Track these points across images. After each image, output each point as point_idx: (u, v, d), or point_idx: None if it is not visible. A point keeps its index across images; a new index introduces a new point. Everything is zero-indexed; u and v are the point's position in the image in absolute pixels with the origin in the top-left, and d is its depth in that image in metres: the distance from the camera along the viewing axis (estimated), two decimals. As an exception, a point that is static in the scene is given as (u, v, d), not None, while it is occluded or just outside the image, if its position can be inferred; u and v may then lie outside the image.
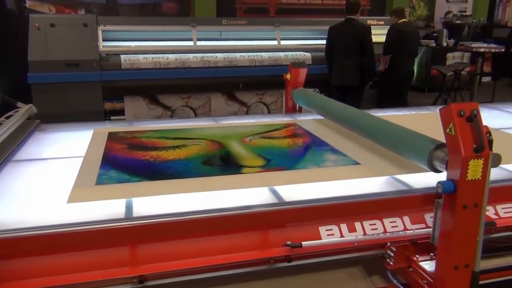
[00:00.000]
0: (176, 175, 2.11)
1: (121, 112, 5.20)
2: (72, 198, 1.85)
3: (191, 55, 5.23)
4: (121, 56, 5.03)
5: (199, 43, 5.41)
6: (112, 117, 5.09)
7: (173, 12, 8.48)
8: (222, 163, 2.35)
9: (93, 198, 1.86)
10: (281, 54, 5.54)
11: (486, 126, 1.59)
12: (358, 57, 5.08)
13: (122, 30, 5.34)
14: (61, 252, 1.58)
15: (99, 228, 1.59)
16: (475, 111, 1.56)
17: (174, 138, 2.74)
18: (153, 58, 5.10)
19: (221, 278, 1.68)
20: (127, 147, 2.57)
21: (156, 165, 2.25)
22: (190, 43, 5.40)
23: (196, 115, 5.42)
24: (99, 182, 2.03)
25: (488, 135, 1.58)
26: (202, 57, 5.24)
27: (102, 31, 5.03)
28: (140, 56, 5.07)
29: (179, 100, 5.34)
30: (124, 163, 2.29)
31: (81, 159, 2.37)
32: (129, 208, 1.77)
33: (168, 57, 5.15)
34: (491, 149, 1.57)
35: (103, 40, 5.03)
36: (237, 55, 5.38)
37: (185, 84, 5.23)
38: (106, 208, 1.77)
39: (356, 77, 5.11)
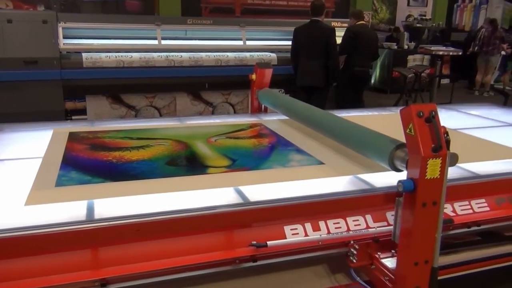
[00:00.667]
0: (140, 176, 2.08)
1: (83, 111, 5.06)
2: (30, 200, 1.79)
3: (155, 54, 5.15)
4: (83, 54, 4.89)
5: (163, 42, 5.34)
6: (73, 117, 4.95)
7: (137, 10, 8.34)
8: (187, 163, 2.33)
9: (53, 200, 1.80)
10: (247, 54, 5.54)
11: (443, 127, 1.64)
12: (322, 58, 5.14)
13: (84, 27, 5.19)
14: (19, 257, 1.53)
15: (58, 231, 1.54)
16: (433, 112, 1.61)
17: (138, 138, 2.70)
18: (116, 57, 4.99)
19: (186, 279, 1.67)
20: (88, 147, 2.51)
21: (119, 166, 2.21)
22: (155, 42, 5.31)
23: (161, 115, 5.34)
24: (59, 183, 1.98)
25: (445, 135, 1.63)
26: (167, 56, 5.18)
27: (63, 28, 4.86)
28: (103, 55, 4.95)
29: (144, 100, 5.25)
30: (86, 164, 2.23)
31: (40, 160, 2.29)
32: (90, 210, 1.73)
33: (132, 56, 5.05)
34: (448, 148, 1.63)
35: (64, 38, 4.86)
36: (203, 54, 5.34)
37: (149, 83, 5.14)
38: (66, 210, 1.72)
39: (321, 78, 5.18)
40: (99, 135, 2.75)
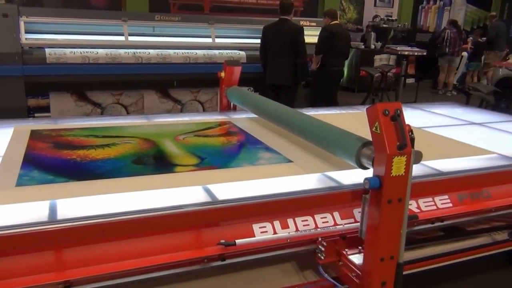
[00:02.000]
0: (105, 175, 2.03)
1: (46, 109, 4.90)
2: (-11, 201, 1.72)
3: (122, 51, 5.04)
4: (46, 49, 4.74)
5: (130, 38, 5.23)
6: (36, 114, 4.79)
7: (103, 6, 8.15)
8: (154, 162, 2.29)
9: (13, 201, 1.74)
10: (216, 52, 5.50)
11: (408, 125, 1.68)
12: (291, 57, 5.17)
13: (47, 22, 5.03)
14: (-23, 260, 1.46)
15: (20, 233, 1.49)
16: (398, 111, 1.64)
17: (104, 137, 2.64)
18: (81, 53, 4.85)
19: (154, 280, 1.64)
20: (51, 146, 2.43)
21: (84, 165, 2.15)
22: (121, 38, 5.20)
23: (128, 113, 5.24)
24: (20, 183, 1.91)
25: (410, 133, 1.66)
26: (134, 53, 5.08)
27: (25, 22, 4.70)
28: (67, 50, 4.81)
29: (110, 97, 5.14)
30: (48, 163, 2.17)
31: (0, 159, 2.21)
32: (53, 210, 1.68)
33: (97, 52, 4.93)
34: (413, 146, 1.66)
35: (26, 32, 4.70)
36: (171, 51, 5.26)
37: (116, 80, 5.02)
38: (27, 211, 1.66)
39: (290, 77, 5.21)
40: (62, 133, 2.67)
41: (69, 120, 3.33)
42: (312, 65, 5.77)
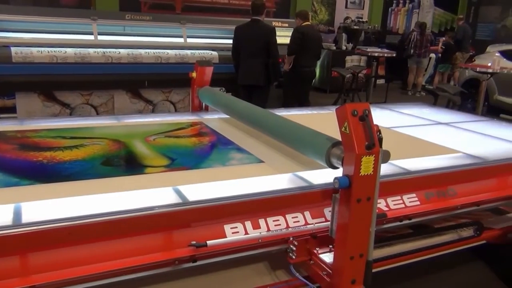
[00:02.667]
0: (73, 177, 1.99)
1: (12, 109, 4.77)
2: (-51, 205, 1.66)
3: (91, 50, 4.95)
4: (12, 48, 4.61)
5: (100, 37, 5.15)
6: (1, 115, 4.65)
7: (71, 4, 7.98)
8: (123, 163, 2.26)
9: (-25, 205, 1.68)
10: (188, 52, 5.47)
11: (376, 125, 1.70)
12: (263, 58, 5.19)
13: (14, 20, 4.90)
14: None
15: (-19, 237, 1.44)
16: (366, 111, 1.67)
17: (72, 138, 2.58)
18: (49, 52, 4.74)
19: (123, 283, 1.61)
20: (17, 147, 2.36)
21: (50, 167, 2.10)
22: (91, 37, 5.11)
23: (98, 113, 5.15)
24: (-18, 186, 1.84)
25: (378, 133, 1.69)
26: (104, 53, 5.00)
27: (-11, 20, 4.58)
28: (34, 49, 4.69)
29: (79, 97, 5.03)
30: (13, 165, 2.10)
31: (-39, 161, 2.13)
32: (17, 214, 1.63)
33: (66, 51, 4.83)
34: (381, 146, 1.69)
35: (-10, 30, 4.59)
36: (142, 51, 5.21)
37: (85, 80, 4.93)
38: (-10, 215, 1.61)
39: (262, 77, 5.23)
40: (28, 135, 2.60)
41: (35, 121, 3.24)
42: (285, 66, 5.81)
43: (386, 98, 8.46)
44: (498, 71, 6.60)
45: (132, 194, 1.85)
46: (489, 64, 6.73)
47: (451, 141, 2.90)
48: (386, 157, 1.74)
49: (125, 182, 1.97)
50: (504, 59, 7.69)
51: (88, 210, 1.65)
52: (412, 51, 9.98)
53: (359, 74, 8.39)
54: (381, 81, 10.47)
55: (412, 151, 2.70)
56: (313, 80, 6.72)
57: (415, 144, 2.87)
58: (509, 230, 2.67)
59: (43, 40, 4.91)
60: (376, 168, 1.68)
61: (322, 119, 3.20)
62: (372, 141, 1.65)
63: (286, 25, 6.33)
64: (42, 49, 4.75)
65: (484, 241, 2.66)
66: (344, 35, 10.19)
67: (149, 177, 2.08)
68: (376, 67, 9.84)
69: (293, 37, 5.77)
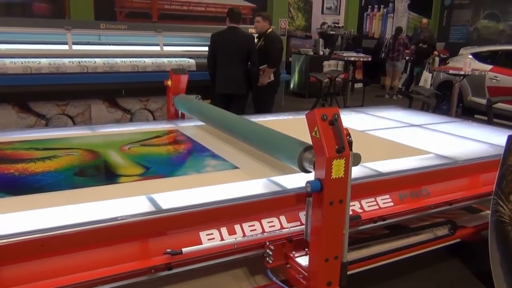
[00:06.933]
0: (45, 188, 1.97)
1: (-15, 122, 4.68)
2: None
3: (66, 60, 4.89)
4: (-16, 59, 4.53)
5: (75, 47, 5.09)
6: (-26, 128, 4.56)
7: (45, 14, 7.87)
8: (97, 173, 2.24)
9: None
10: (165, 60, 5.45)
11: (346, 129, 1.73)
12: (243, 65, 5.13)
13: (-15, 31, 4.82)
14: None
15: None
16: (336, 115, 1.70)
17: (45, 149, 2.55)
18: (22, 63, 4.67)
19: (98, 293, 1.60)
20: (-12, 160, 2.32)
21: (22, 179, 2.07)
22: (65, 47, 5.05)
23: (74, 124, 5.08)
24: (-48, 200, 1.81)
25: (348, 136, 1.72)
26: (79, 62, 4.94)
27: (-40, 31, 4.49)
28: (7, 60, 4.61)
29: (55, 108, 4.96)
30: (-16, 178, 2.07)
31: None
32: (-13, 227, 1.60)
33: (40, 62, 4.76)
34: (351, 149, 1.72)
35: (-39, 41, 4.50)
36: (118, 60, 5.16)
37: (60, 90, 4.85)
38: (-41, 230, 1.58)
39: (242, 85, 5.15)
40: (1, 147, 2.56)
41: (8, 133, 3.19)
42: (263, 79, 5.30)
43: (363, 102, 8.57)
44: (469, 73, 6.75)
45: (105, 203, 1.84)
46: (461, 67, 6.88)
47: (423, 142, 2.96)
48: (357, 160, 1.77)
49: (98, 192, 1.96)
50: (476, 61, 7.89)
51: (60, 221, 1.63)
52: (383, 55, 10.22)
53: (337, 79, 8.47)
54: (359, 85, 10.59)
55: (385, 153, 2.74)
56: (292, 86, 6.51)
57: (388, 146, 2.92)
58: (483, 228, 2.74)
59: (16, 51, 4.83)
60: (347, 171, 1.70)
61: (298, 124, 3.22)
62: (342, 144, 1.67)
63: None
64: (16, 60, 4.67)
65: (458, 240, 2.72)
66: (321, 41, 10.30)
67: (123, 186, 2.07)
68: (353, 71, 9.97)
69: (277, 47, 5.38)
